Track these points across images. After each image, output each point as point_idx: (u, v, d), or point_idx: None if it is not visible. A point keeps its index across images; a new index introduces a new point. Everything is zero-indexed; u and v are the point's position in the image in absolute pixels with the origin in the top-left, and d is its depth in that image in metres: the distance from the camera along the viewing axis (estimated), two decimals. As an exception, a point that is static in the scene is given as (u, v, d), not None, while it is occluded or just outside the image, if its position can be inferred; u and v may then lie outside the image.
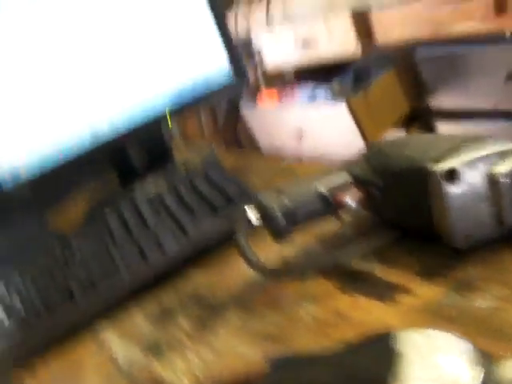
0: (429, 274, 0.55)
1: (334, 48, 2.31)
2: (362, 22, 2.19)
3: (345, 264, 0.61)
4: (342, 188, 0.64)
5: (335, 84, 2.40)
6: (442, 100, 2.23)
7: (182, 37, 0.99)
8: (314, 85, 2.51)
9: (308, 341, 0.54)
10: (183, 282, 0.74)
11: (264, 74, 2.71)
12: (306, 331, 0.55)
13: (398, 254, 0.59)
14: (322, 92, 2.43)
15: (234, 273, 0.70)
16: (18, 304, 0.81)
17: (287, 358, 0.47)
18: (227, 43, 0.99)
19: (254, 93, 2.74)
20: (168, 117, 1.02)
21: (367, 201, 0.63)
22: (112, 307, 0.76)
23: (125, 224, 0.87)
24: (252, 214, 0.64)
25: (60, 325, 0.77)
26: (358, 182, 0.63)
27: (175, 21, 0.99)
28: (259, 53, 2.68)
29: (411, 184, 0.57)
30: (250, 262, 0.63)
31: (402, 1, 2.02)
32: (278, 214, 0.63)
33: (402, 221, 0.61)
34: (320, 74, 2.52)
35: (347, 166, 0.65)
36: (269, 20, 2.52)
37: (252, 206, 0.65)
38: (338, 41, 2.27)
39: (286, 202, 0.63)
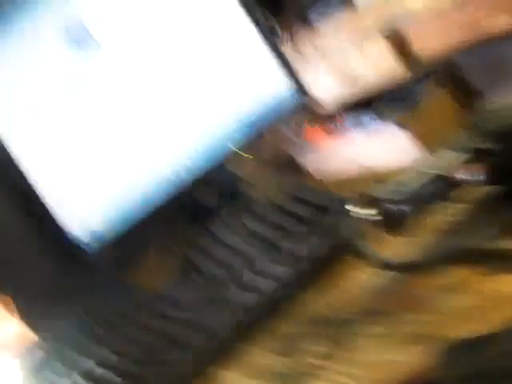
0: None
1: (375, 75, 2.26)
2: (399, 43, 2.15)
3: (478, 246, 0.55)
4: (458, 165, 0.58)
5: (381, 108, 2.35)
6: (496, 100, 2.16)
7: (238, 66, 0.96)
8: (357, 113, 2.46)
9: (467, 331, 0.48)
10: (297, 307, 0.69)
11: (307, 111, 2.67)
12: (461, 322, 0.49)
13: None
14: (367, 118, 2.37)
15: (353, 284, 0.65)
16: (121, 364, 0.77)
17: (459, 343, 0.42)
18: (284, 63, 0.96)
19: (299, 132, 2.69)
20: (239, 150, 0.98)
21: (490, 172, 0.57)
22: (226, 349, 0.71)
23: (220, 264, 0.82)
24: (362, 211, 0.60)
25: (173, 378, 0.72)
26: (476, 153, 0.58)
27: (229, 52, 0.96)
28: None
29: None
30: (375, 261, 0.58)
31: (434, 10, 1.98)
32: (394, 203, 0.58)
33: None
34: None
35: (456, 143, 0.60)
36: (300, 58, 2.50)
37: (361, 203, 0.60)
38: (377, 67, 2.23)
39: (400, 189, 0.58)
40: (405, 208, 0.57)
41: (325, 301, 0.66)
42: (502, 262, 0.52)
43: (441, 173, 0.58)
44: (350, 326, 0.59)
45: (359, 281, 0.63)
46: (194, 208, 1.02)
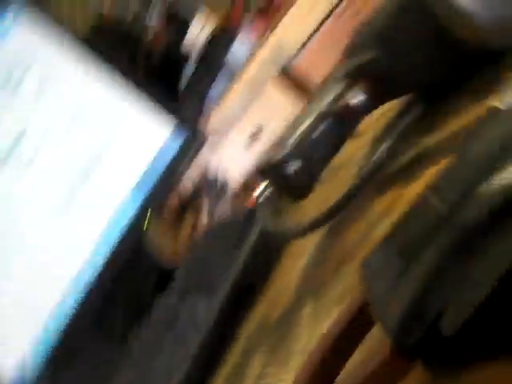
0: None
1: (280, 120, 2.21)
2: (292, 78, 2.10)
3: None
4: (344, 94, 0.49)
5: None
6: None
7: (115, 128, 0.88)
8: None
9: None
10: (240, 331, 0.57)
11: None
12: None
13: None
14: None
15: (283, 276, 0.54)
16: None
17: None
18: (161, 106, 0.88)
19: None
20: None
21: (379, 84, 0.48)
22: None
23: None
24: (263, 190, 0.50)
25: None
26: (355, 72, 0.49)
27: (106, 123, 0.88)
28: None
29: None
30: (293, 235, 0.47)
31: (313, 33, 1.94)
32: (291, 164, 0.48)
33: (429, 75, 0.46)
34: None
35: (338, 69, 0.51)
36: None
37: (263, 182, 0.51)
38: (279, 111, 2.18)
39: (292, 145, 0.49)
40: (297, 165, 0.48)
41: (261, 310, 0.55)
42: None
43: (324, 110, 0.48)
44: (283, 321, 0.48)
45: (287, 268, 0.53)
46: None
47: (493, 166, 0.25)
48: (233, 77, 2.27)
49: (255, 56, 2.07)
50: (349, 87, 0.49)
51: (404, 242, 0.28)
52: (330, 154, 0.49)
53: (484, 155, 0.26)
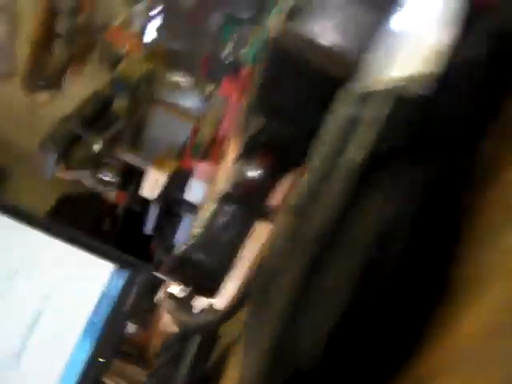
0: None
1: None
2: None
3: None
4: (241, 172, 0.47)
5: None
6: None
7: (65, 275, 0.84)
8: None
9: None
10: None
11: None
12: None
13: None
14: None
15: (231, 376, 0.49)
16: None
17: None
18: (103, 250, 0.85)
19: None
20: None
21: (274, 152, 0.45)
22: None
23: None
24: (175, 290, 0.46)
25: None
26: (247, 146, 0.46)
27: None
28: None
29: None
30: (195, 325, 0.43)
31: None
32: (197, 254, 0.44)
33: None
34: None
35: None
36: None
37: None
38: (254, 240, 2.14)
39: (197, 234, 0.45)
40: (202, 254, 0.44)
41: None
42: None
43: (224, 192, 0.46)
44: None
45: (233, 368, 0.48)
46: None
47: (332, 165, 0.22)
48: (196, 215, 2.26)
49: (213, 189, 2.07)
50: (245, 165, 0.46)
51: (257, 286, 0.24)
52: (239, 237, 0.45)
53: (324, 158, 0.23)
